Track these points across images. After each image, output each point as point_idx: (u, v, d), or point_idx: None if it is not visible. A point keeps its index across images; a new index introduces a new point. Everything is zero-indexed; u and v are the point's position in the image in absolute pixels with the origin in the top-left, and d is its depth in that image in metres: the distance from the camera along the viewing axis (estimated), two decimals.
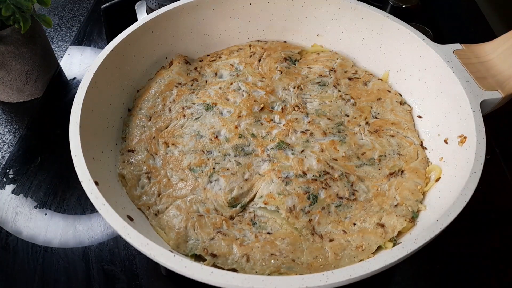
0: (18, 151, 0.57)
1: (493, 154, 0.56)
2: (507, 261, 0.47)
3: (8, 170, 0.54)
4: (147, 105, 0.50)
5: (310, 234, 0.40)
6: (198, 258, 0.39)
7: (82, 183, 0.35)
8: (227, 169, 0.44)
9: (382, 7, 0.55)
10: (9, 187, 0.52)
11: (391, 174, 0.44)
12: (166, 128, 0.48)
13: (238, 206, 0.42)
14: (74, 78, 0.67)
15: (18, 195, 0.52)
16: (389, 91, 0.52)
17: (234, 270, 0.37)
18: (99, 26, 0.76)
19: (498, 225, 0.50)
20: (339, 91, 0.53)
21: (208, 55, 0.58)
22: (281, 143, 0.46)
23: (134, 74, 0.51)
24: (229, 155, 0.45)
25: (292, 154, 0.45)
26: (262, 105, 0.50)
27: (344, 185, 0.43)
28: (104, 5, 0.66)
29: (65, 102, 0.62)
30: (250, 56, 0.57)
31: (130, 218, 0.38)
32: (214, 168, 0.44)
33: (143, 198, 0.43)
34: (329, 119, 0.50)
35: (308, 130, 0.48)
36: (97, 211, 0.34)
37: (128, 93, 0.50)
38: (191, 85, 0.53)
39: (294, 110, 0.50)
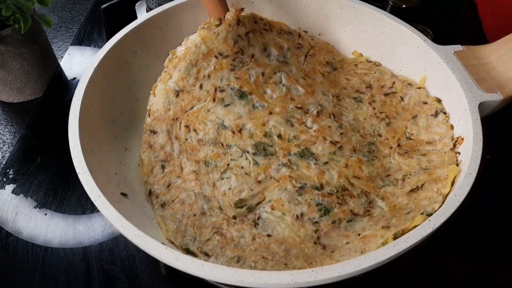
0: (18, 151, 0.57)
1: (493, 154, 0.56)
2: (508, 262, 0.47)
3: (8, 170, 0.54)
4: (178, 75, 0.44)
5: (313, 243, 0.38)
6: (190, 252, 0.39)
7: (78, 175, 0.35)
8: (242, 167, 0.42)
9: (382, 7, 0.55)
10: (9, 187, 0.53)
11: (411, 190, 0.41)
12: (191, 109, 0.44)
13: (244, 208, 0.40)
14: (74, 78, 0.67)
15: (18, 195, 0.52)
16: (425, 103, 0.47)
17: None
18: (99, 26, 0.76)
19: (498, 225, 0.50)
20: (374, 108, 0.49)
21: (262, 19, 0.50)
22: (306, 151, 0.43)
23: (136, 69, 0.51)
24: (248, 152, 0.43)
25: (315, 164, 0.42)
26: (299, 105, 0.46)
27: (361, 203, 0.41)
28: (104, 5, 0.66)
29: (65, 102, 0.62)
30: (298, 48, 0.52)
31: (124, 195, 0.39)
32: (228, 165, 0.42)
33: (155, 187, 0.43)
34: (361, 136, 0.46)
35: (338, 142, 0.45)
36: (97, 211, 0.34)
37: (129, 88, 0.50)
38: (234, 59, 0.46)
39: (329, 118, 0.47)
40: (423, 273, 0.45)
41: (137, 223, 0.33)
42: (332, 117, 0.47)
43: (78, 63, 0.70)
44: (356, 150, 0.44)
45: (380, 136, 0.47)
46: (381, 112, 0.49)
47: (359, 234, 0.38)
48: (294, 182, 0.41)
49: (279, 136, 0.44)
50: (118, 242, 0.47)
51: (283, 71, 0.48)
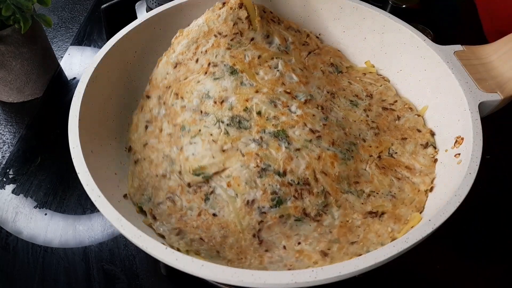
0: (18, 151, 0.57)
1: (493, 154, 0.56)
2: (508, 262, 0.47)
3: (8, 170, 0.54)
4: (179, 49, 0.47)
5: (251, 236, 0.37)
6: (143, 211, 0.40)
7: (78, 175, 0.35)
8: (211, 135, 0.41)
9: (382, 7, 0.55)
10: (9, 187, 0.53)
11: (370, 212, 0.40)
12: (184, 80, 0.46)
13: (201, 176, 0.40)
14: (74, 78, 0.67)
15: (18, 195, 0.52)
16: (420, 131, 0.47)
17: (162, 236, 0.38)
18: (99, 26, 0.76)
19: (498, 225, 0.50)
20: (367, 116, 0.49)
21: (271, 12, 0.52)
22: (281, 132, 0.42)
23: (136, 69, 0.51)
24: (223, 122, 0.42)
25: (286, 147, 0.41)
26: (288, 90, 0.45)
27: (317, 204, 0.39)
28: (104, 5, 0.66)
29: (65, 102, 0.62)
30: (303, 44, 0.52)
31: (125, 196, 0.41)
32: (200, 130, 0.42)
33: (134, 144, 0.45)
34: (345, 133, 0.45)
35: (318, 131, 0.43)
36: (97, 211, 0.34)
37: (129, 88, 0.50)
38: (232, 39, 0.47)
39: (317, 108, 0.45)
40: (423, 273, 0.45)
41: (137, 223, 0.33)
42: (319, 108, 0.45)
43: (78, 63, 0.70)
44: (335, 144, 0.42)
45: (364, 141, 0.46)
46: (373, 121, 0.48)
47: (299, 243, 0.37)
48: (258, 161, 0.39)
49: (259, 113, 0.43)
50: (118, 242, 0.47)
51: (281, 58, 0.48)
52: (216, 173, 0.40)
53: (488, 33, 0.70)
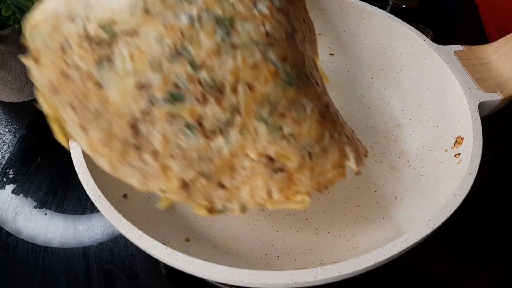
0: (18, 151, 0.57)
1: (493, 154, 0.56)
2: (508, 262, 0.47)
3: (8, 170, 0.54)
4: None
5: (127, 124, 0.31)
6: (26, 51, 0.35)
7: (78, 175, 0.35)
8: None
9: (382, 7, 0.55)
10: (9, 187, 0.53)
11: (269, 158, 0.31)
12: None
13: (106, 33, 0.31)
14: None
15: (18, 195, 0.52)
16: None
17: (37, 90, 0.34)
18: None
19: (498, 225, 0.50)
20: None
21: None
22: (227, 20, 0.31)
23: None
24: None
25: (222, 39, 0.31)
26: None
27: (219, 119, 0.31)
28: None
29: None
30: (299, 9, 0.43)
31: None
32: None
33: None
34: (303, 63, 0.36)
35: (275, 39, 0.33)
36: (97, 211, 0.34)
37: None
38: None
39: (288, 23, 0.36)
40: (423, 273, 0.45)
41: (137, 223, 0.33)
42: (291, 24, 0.35)
43: None
44: (285, 61, 0.33)
45: (318, 85, 0.36)
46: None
47: (172, 156, 0.31)
48: (178, 40, 0.30)
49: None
50: (118, 242, 0.47)
51: None
52: (125, 34, 0.31)
53: (489, 33, 0.70)
